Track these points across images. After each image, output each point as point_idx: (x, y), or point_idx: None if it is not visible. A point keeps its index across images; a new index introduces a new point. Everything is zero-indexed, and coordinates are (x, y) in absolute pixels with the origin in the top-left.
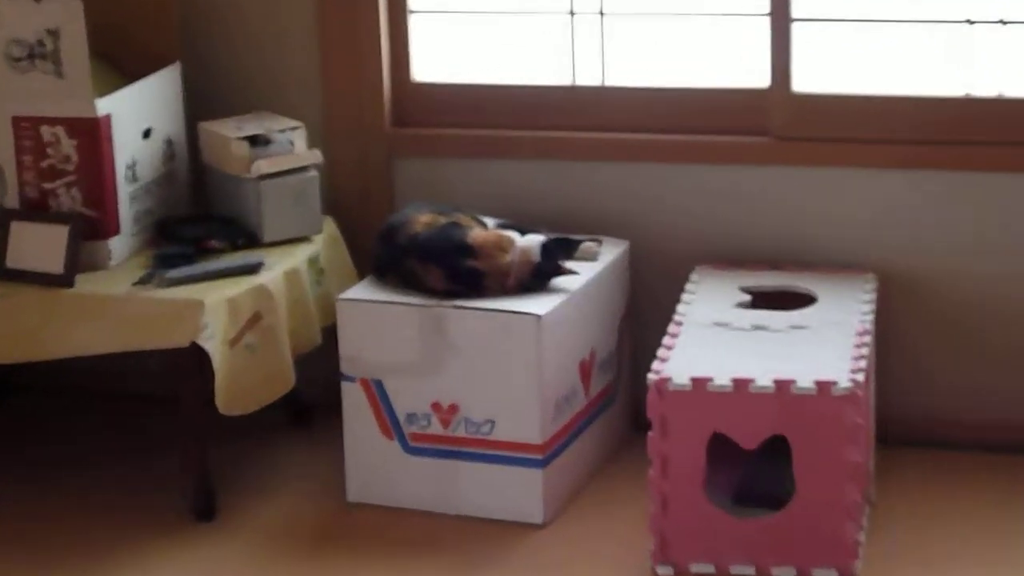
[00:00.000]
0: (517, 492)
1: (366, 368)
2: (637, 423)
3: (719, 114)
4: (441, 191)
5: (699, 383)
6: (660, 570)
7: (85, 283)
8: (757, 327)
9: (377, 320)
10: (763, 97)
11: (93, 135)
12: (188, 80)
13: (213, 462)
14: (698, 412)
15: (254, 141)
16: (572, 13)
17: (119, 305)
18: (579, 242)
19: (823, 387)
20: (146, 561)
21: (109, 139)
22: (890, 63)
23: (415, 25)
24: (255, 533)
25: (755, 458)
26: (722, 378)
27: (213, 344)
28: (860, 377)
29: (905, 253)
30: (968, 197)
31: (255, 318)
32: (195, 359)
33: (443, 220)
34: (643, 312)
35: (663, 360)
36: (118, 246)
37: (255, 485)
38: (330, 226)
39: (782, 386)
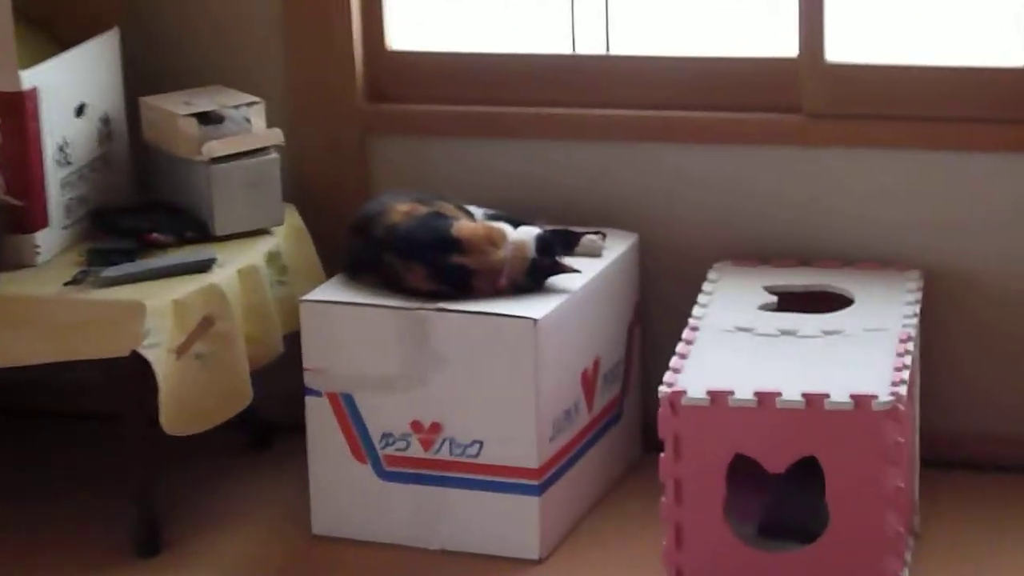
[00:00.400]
0: (510, 523)
1: (335, 381)
2: (647, 443)
3: (741, 88)
4: (423, 176)
5: (718, 397)
6: None
7: (8, 284)
8: (784, 332)
9: (348, 325)
10: (791, 68)
11: (17, 112)
12: (128, 48)
13: (158, 490)
14: (717, 430)
15: (205, 118)
16: None
17: (48, 309)
18: (581, 235)
19: (860, 402)
20: None
21: (36, 116)
22: (938, 28)
23: None
24: (205, 571)
25: (782, 483)
26: (744, 391)
27: (157, 354)
28: (903, 390)
29: (955, 248)
30: None
31: (206, 323)
32: (136, 371)
33: (425, 210)
34: (654, 315)
35: (677, 371)
36: (47, 240)
37: (206, 516)
38: (293, 216)
39: (813, 401)
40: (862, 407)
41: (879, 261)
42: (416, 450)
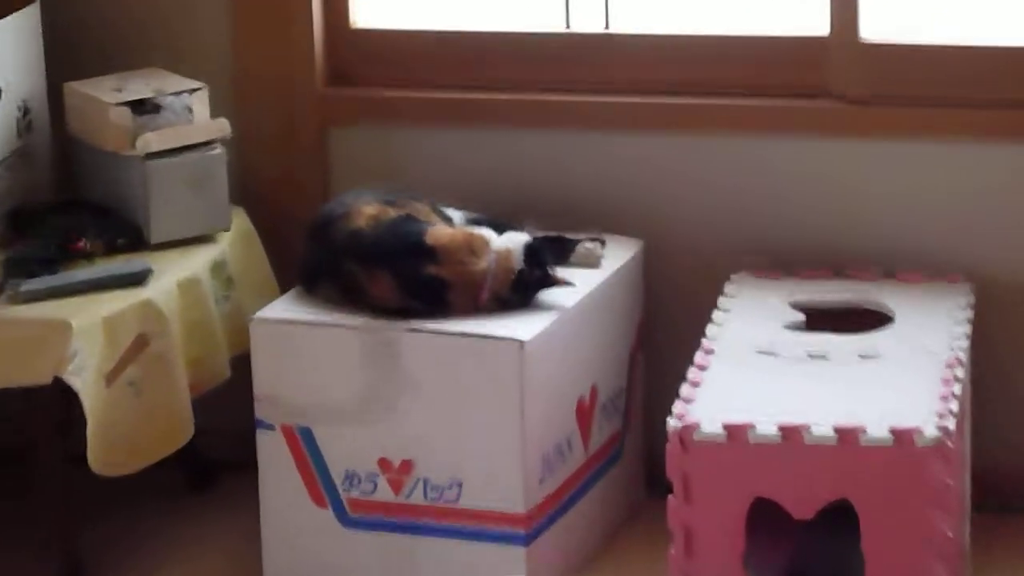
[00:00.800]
0: None
1: (290, 412)
2: (653, 485)
3: (763, 70)
4: (392, 172)
5: (735, 432)
6: None
7: None
8: (814, 356)
9: (305, 347)
10: (822, 48)
11: None
12: (51, 26)
13: (85, 538)
14: (734, 470)
15: (139, 107)
16: None
17: None
18: (576, 242)
19: (902, 437)
20: None
21: None
22: (989, 3)
23: None
24: None
25: (810, 532)
26: (766, 425)
27: (84, 380)
28: (951, 423)
29: (1012, 257)
30: None
31: (140, 344)
32: (59, 400)
33: (394, 212)
34: (661, 336)
35: (688, 401)
36: None
37: (140, 568)
38: (242, 220)
39: (847, 436)
40: (904, 443)
41: (924, 272)
42: (384, 493)
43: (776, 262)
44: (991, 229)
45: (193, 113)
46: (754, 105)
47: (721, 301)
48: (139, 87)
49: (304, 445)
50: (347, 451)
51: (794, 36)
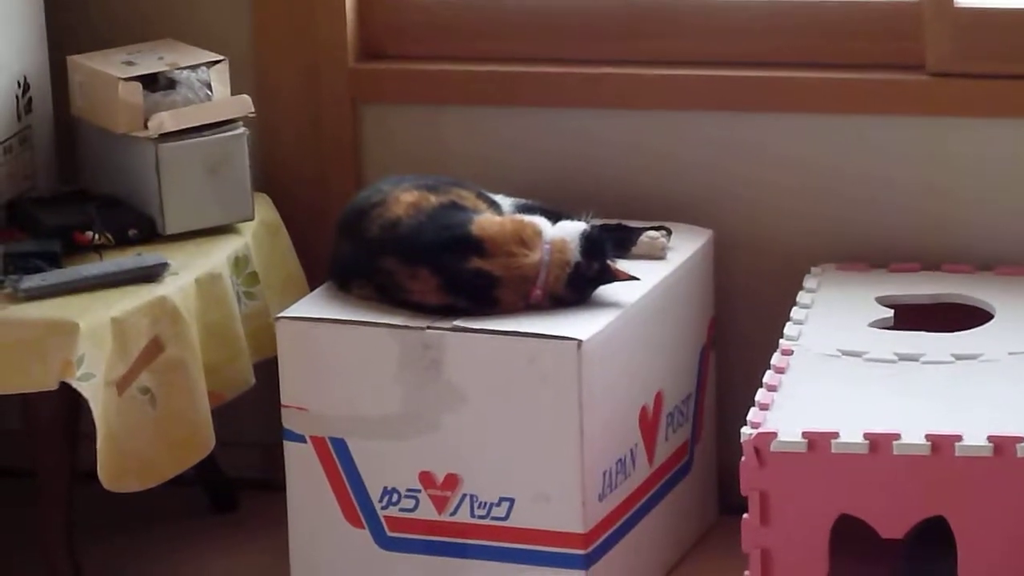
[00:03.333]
0: None
1: (322, 423)
2: (726, 501)
3: (846, 39)
4: (432, 155)
5: (817, 442)
6: None
7: None
8: (904, 358)
9: (338, 350)
10: (913, 14)
11: None
12: None
13: (93, 562)
14: (816, 485)
15: (152, 83)
16: None
17: None
18: (639, 231)
19: (1002, 446)
20: None
21: None
22: None
23: None
24: None
25: (902, 552)
26: (851, 434)
27: (92, 387)
28: None
29: None
30: None
31: (154, 348)
32: (66, 409)
33: (435, 200)
34: (735, 336)
35: (764, 407)
36: None
37: None
38: (266, 209)
39: (941, 445)
40: (1004, 453)
41: None
42: (427, 510)
43: (861, 254)
44: None
45: (212, 90)
46: (836, 79)
47: (800, 297)
48: (151, 60)
49: (337, 458)
50: (385, 465)
51: (881, 0)
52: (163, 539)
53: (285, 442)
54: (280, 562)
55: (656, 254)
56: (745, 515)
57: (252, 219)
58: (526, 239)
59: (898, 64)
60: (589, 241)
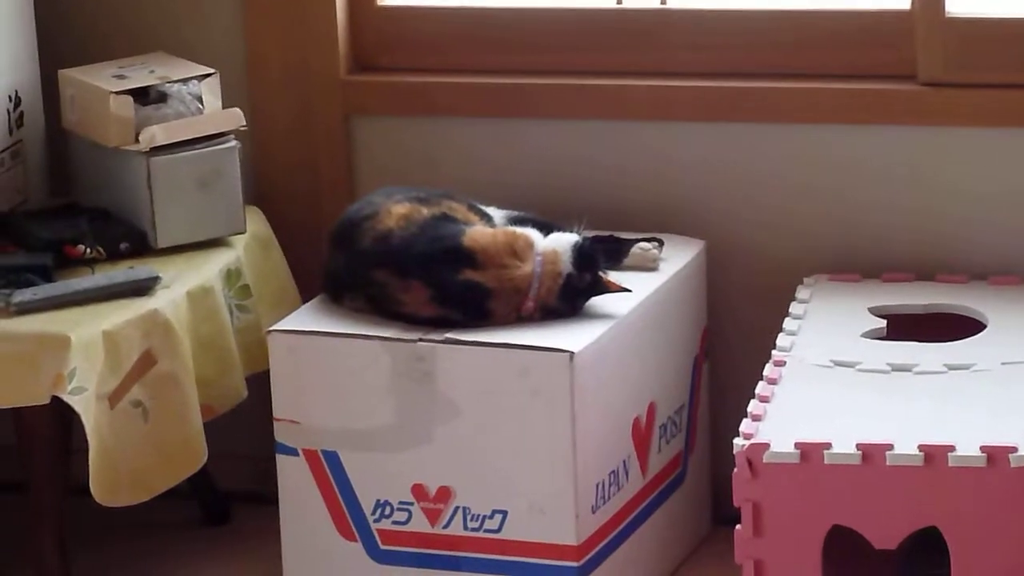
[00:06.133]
0: None
1: (314, 436)
2: (719, 513)
3: (839, 50)
4: (423, 167)
5: (810, 453)
6: None
7: None
8: (897, 368)
9: (330, 363)
10: (904, 24)
11: None
12: (45, 8)
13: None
14: (809, 496)
15: (143, 96)
16: None
17: None
18: (631, 242)
19: (995, 456)
20: None
21: None
22: None
23: None
24: None
25: (895, 563)
26: (844, 444)
27: (84, 401)
28: None
29: None
30: None
31: (146, 362)
32: (58, 423)
33: (427, 212)
34: (727, 346)
35: (756, 418)
36: None
37: None
38: (257, 222)
39: (934, 456)
40: (997, 463)
41: (1020, 275)
42: (420, 523)
43: (854, 264)
44: None
45: (203, 103)
46: (828, 89)
47: (793, 307)
48: (142, 74)
49: (330, 471)
50: (378, 477)
51: (872, 10)
52: (156, 552)
53: (278, 455)
54: (273, 575)
55: (648, 265)
56: (738, 526)
57: (244, 232)
58: (518, 251)
59: (890, 74)
60: (581, 253)
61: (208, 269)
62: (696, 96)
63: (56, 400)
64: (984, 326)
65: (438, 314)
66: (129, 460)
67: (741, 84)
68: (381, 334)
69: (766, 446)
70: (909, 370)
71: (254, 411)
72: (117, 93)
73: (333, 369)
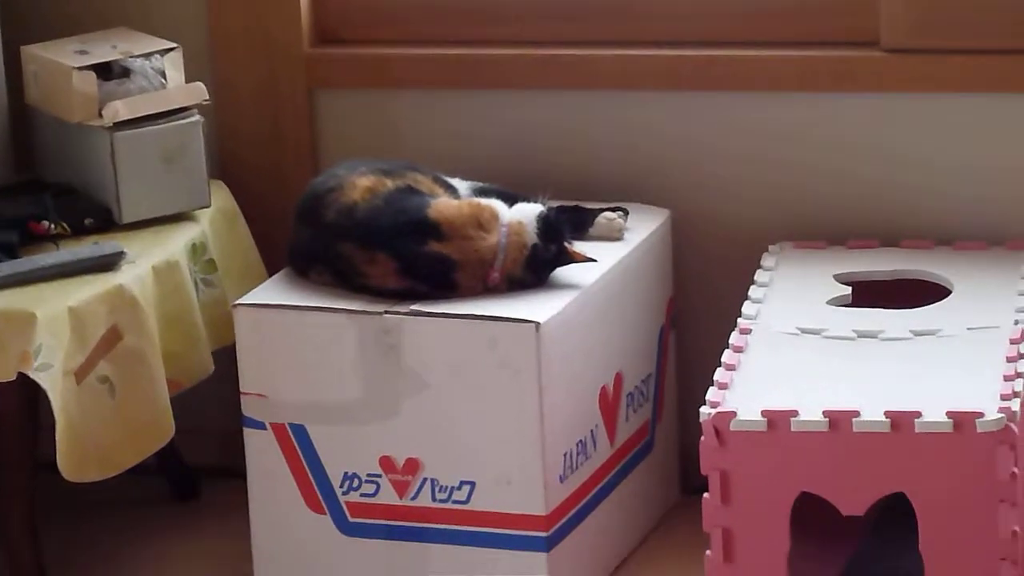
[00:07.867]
0: None
1: (281, 409)
2: (687, 481)
3: (802, 17)
4: (388, 139)
5: (776, 420)
6: None
7: None
8: (862, 335)
9: (296, 336)
10: None
11: None
12: None
13: (54, 553)
14: (776, 463)
15: (105, 72)
16: None
17: None
18: (596, 212)
19: (961, 421)
20: None
21: None
22: None
23: None
24: None
25: (862, 529)
26: (811, 412)
27: (50, 377)
28: (1016, 405)
29: None
30: None
31: (112, 337)
32: (23, 400)
33: (392, 184)
34: (693, 315)
35: (723, 386)
36: None
37: None
38: (222, 196)
39: (900, 422)
40: (963, 429)
41: (985, 240)
42: (388, 495)
43: (819, 231)
44: None
45: (166, 78)
46: (792, 56)
47: (758, 275)
48: (105, 49)
49: (298, 445)
50: (345, 450)
51: None
52: (125, 527)
53: (245, 429)
54: (242, 549)
55: (613, 235)
56: (706, 494)
57: (209, 207)
58: (483, 222)
59: (852, 41)
60: (546, 223)
61: (173, 244)
62: (660, 65)
63: (22, 377)
64: (949, 291)
65: (404, 286)
66: (96, 436)
67: (704, 52)
68: (347, 307)
69: (733, 414)
70: (875, 336)
71: (221, 385)
72: (80, 69)
73: (300, 343)
